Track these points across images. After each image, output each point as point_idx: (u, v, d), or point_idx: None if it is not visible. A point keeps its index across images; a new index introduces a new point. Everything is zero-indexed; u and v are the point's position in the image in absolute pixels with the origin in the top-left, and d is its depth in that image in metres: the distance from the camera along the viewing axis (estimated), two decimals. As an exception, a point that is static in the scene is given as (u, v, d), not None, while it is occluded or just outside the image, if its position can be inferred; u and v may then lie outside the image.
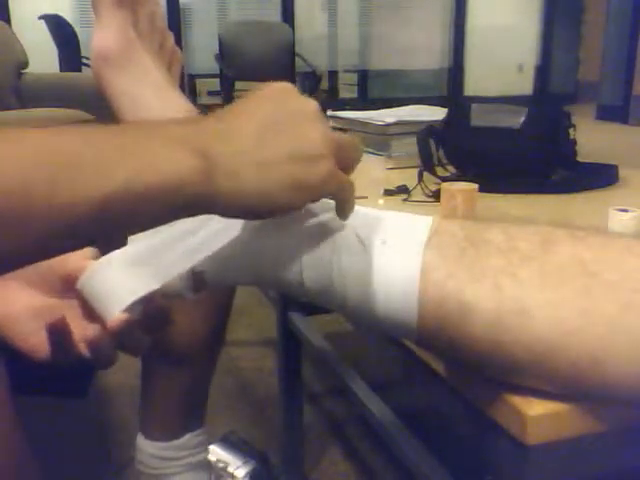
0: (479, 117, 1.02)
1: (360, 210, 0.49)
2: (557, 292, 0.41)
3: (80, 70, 3.90)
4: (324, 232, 0.46)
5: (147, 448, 0.95)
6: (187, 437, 0.95)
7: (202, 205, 0.38)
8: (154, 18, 0.57)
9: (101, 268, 0.45)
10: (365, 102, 5.26)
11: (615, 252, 0.43)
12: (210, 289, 0.49)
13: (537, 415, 0.44)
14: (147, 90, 0.52)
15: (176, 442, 0.94)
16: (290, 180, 0.39)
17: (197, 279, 0.48)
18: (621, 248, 0.43)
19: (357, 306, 0.46)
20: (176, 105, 0.53)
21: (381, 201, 0.95)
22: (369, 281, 0.45)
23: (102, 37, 0.52)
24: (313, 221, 0.46)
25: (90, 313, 0.45)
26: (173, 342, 0.90)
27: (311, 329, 1.12)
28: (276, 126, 0.40)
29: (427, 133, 1.05)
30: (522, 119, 0.99)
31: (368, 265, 0.45)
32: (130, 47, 0.53)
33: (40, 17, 3.86)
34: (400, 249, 0.45)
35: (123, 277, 0.44)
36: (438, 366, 0.53)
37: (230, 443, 0.80)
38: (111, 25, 0.52)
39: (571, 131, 1.02)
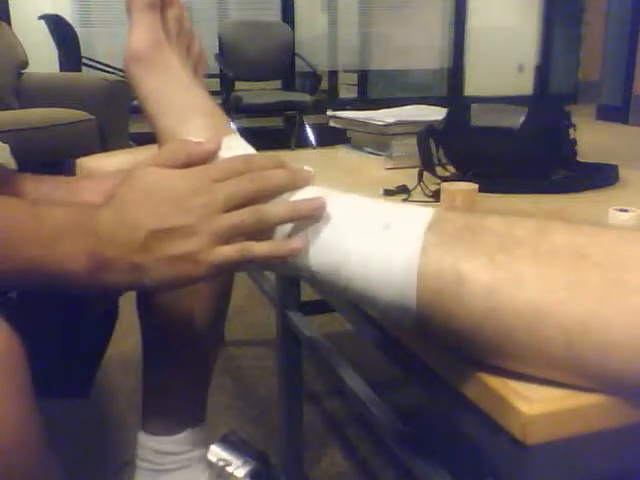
0: (479, 117, 1.02)
1: (364, 199, 0.52)
2: (549, 267, 0.43)
3: (80, 70, 3.90)
4: (329, 217, 0.49)
5: (148, 443, 0.95)
6: (188, 432, 0.95)
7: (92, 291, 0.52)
8: (182, 21, 0.60)
9: None
10: (365, 102, 5.26)
11: (608, 238, 0.45)
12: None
13: (537, 415, 0.44)
14: (174, 90, 0.56)
15: (177, 437, 0.94)
16: (167, 277, 0.49)
17: None
18: (614, 235, 0.45)
19: (360, 287, 0.49)
20: (201, 105, 0.56)
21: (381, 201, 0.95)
22: (372, 260, 0.47)
23: (134, 38, 0.56)
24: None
25: None
26: (173, 327, 0.90)
27: (311, 329, 1.12)
28: (159, 234, 0.48)
29: (427, 133, 1.05)
30: (522, 119, 0.99)
31: (372, 247, 0.47)
32: (159, 48, 0.56)
33: (40, 17, 3.86)
34: (402, 232, 0.47)
35: None
36: (438, 366, 0.53)
37: (230, 443, 0.81)
38: (142, 27, 0.56)
39: (571, 131, 1.02)
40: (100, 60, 4.07)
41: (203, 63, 0.63)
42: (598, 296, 0.42)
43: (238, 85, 4.27)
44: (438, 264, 0.45)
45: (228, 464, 0.78)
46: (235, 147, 0.54)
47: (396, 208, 0.51)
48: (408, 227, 0.48)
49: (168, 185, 0.49)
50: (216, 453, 0.79)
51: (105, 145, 2.76)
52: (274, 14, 4.89)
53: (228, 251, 0.49)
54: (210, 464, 0.80)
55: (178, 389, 0.94)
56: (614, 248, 0.44)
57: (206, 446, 0.89)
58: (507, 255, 0.44)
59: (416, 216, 0.49)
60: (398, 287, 0.47)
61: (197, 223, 0.48)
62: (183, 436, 0.94)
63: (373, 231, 0.48)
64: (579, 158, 1.05)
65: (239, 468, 0.77)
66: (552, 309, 0.42)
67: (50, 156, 2.42)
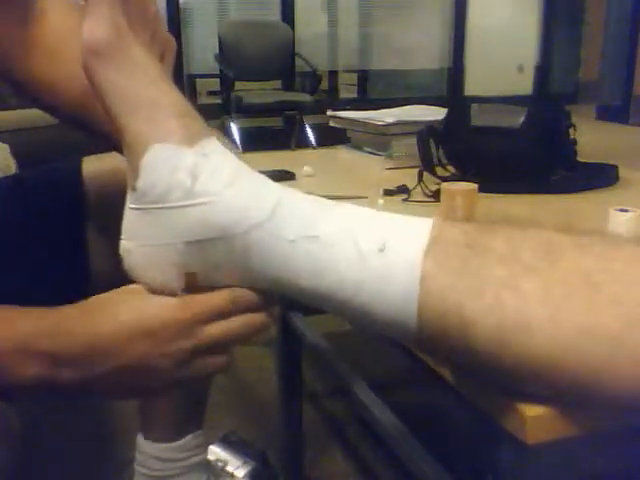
0: (479, 117, 1.02)
1: (357, 212, 0.47)
2: (559, 307, 0.40)
3: (80, 70, 3.89)
4: (322, 236, 0.45)
5: (147, 449, 0.95)
6: (187, 439, 0.95)
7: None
8: (145, 3, 0.53)
9: None
10: (365, 102, 5.26)
11: (621, 262, 0.42)
12: (203, 290, 0.49)
13: (537, 415, 0.44)
14: (141, 86, 0.48)
15: (176, 443, 0.94)
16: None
17: (189, 280, 0.48)
18: (628, 258, 0.42)
19: (355, 314, 0.46)
20: (172, 103, 0.49)
21: (381, 201, 0.95)
22: (367, 290, 0.44)
23: (92, 27, 0.47)
24: (308, 227, 0.46)
25: None
26: None
27: (311, 329, 1.12)
28: (127, 370, 0.48)
29: (427, 133, 1.05)
30: (522, 119, 0.98)
31: (366, 273, 0.44)
32: (122, 38, 0.48)
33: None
34: (399, 257, 0.44)
35: None
36: (438, 367, 0.53)
37: (230, 443, 0.80)
38: (100, 14, 0.48)
39: (571, 131, 1.02)
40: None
41: (170, 50, 0.55)
42: (612, 342, 0.39)
43: (238, 85, 4.27)
44: (440, 302, 0.42)
45: (228, 464, 0.78)
46: (212, 153, 0.48)
47: (391, 222, 0.46)
48: (405, 250, 0.44)
49: (150, 321, 0.47)
50: (216, 453, 0.79)
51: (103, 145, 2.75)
52: (274, 14, 4.89)
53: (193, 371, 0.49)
54: (209, 464, 0.80)
55: (178, 396, 0.94)
56: (629, 275, 0.41)
57: (204, 451, 0.89)
58: (514, 292, 0.41)
59: (413, 234, 0.45)
60: (396, 321, 0.44)
61: (173, 368, 0.48)
62: (182, 443, 0.94)
63: (367, 254, 0.44)
64: (579, 158, 1.05)
65: (239, 468, 0.77)
66: (562, 359, 0.40)
67: (50, 156, 2.42)
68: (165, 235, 0.47)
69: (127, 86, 0.48)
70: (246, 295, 0.49)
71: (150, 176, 0.47)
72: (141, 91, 0.48)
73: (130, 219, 0.49)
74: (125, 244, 0.49)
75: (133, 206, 0.48)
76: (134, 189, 0.47)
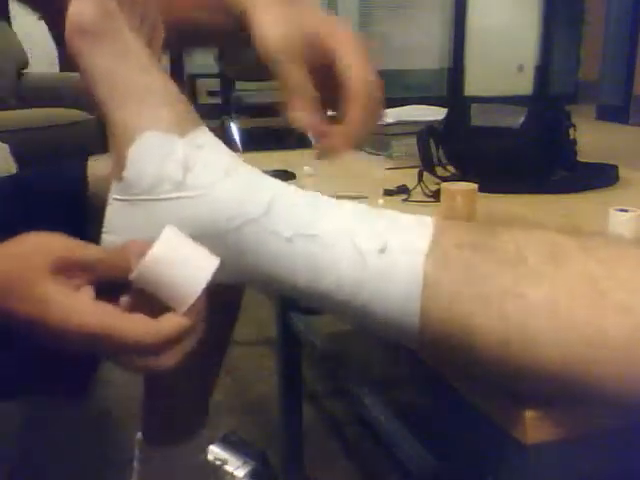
0: (479, 117, 1.02)
1: (357, 210, 0.46)
2: (565, 317, 0.40)
3: (80, 70, 3.88)
4: (321, 236, 0.44)
5: (147, 448, 0.95)
6: (189, 439, 0.95)
7: None
8: None
9: (160, 255, 0.43)
10: (365, 102, 5.24)
11: (627, 268, 0.41)
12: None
13: (537, 415, 0.44)
14: (130, 71, 0.46)
15: (178, 444, 0.94)
16: None
17: None
18: (632, 263, 0.41)
19: (355, 314, 0.45)
20: (162, 90, 0.48)
21: (381, 201, 0.95)
22: (368, 290, 0.43)
23: (79, 7, 0.45)
24: (307, 227, 0.45)
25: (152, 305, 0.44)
26: None
27: (311, 329, 1.12)
28: None
29: (427, 133, 1.05)
30: (522, 119, 0.98)
31: (367, 274, 0.43)
32: (111, 19, 0.46)
33: (40, 17, 3.86)
34: (400, 256, 0.43)
35: (190, 255, 0.43)
36: (439, 366, 0.53)
37: (230, 443, 0.80)
38: None
39: (571, 131, 1.01)
40: (100, 60, 4.05)
41: (159, 36, 0.53)
42: (617, 352, 0.39)
43: (238, 85, 4.27)
44: (443, 306, 0.41)
45: (228, 464, 0.78)
46: (204, 145, 0.46)
47: (392, 221, 0.45)
48: (407, 251, 0.42)
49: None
50: (216, 453, 0.79)
51: (105, 145, 2.76)
52: (274, 14, 4.88)
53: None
54: (210, 464, 0.80)
55: (181, 397, 0.93)
56: (635, 282, 0.40)
57: (204, 451, 0.88)
58: (520, 302, 0.40)
59: (415, 234, 0.44)
60: (398, 326, 0.43)
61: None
62: (184, 445, 0.94)
63: (367, 254, 0.43)
64: (579, 158, 1.05)
65: (239, 468, 0.77)
66: (567, 370, 0.40)
67: (50, 156, 2.42)
68: (153, 229, 0.44)
69: (117, 71, 0.46)
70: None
71: (138, 165, 0.45)
72: (132, 77, 0.46)
73: (114, 211, 0.47)
74: (107, 237, 0.47)
75: (118, 197, 0.46)
76: (120, 179, 0.46)
